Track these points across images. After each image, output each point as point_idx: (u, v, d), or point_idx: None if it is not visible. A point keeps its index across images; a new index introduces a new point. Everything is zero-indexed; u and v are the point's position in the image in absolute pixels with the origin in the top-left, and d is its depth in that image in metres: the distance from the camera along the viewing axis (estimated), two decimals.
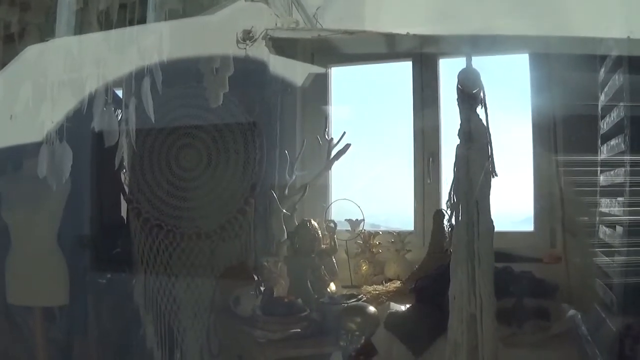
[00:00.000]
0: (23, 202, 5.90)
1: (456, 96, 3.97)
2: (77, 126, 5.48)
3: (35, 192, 5.77)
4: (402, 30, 5.59)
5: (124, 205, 6.06)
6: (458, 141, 3.89)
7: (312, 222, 5.47)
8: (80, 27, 6.41)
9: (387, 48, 5.75)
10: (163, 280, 5.78)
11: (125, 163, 5.52)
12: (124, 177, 5.95)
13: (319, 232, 5.48)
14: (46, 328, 6.00)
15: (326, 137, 5.82)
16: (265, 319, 4.96)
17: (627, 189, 4.27)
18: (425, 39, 5.40)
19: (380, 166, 6.04)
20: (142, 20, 6.49)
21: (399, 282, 5.49)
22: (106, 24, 6.86)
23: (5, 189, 6.07)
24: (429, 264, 5.32)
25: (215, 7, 7.06)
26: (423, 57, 5.97)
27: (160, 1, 6.27)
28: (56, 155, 5.34)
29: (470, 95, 3.85)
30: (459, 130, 3.88)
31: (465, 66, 3.96)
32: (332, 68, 6.36)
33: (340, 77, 6.45)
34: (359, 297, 5.15)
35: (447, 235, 5.13)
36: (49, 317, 6.02)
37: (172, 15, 6.10)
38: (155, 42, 5.63)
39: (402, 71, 6.15)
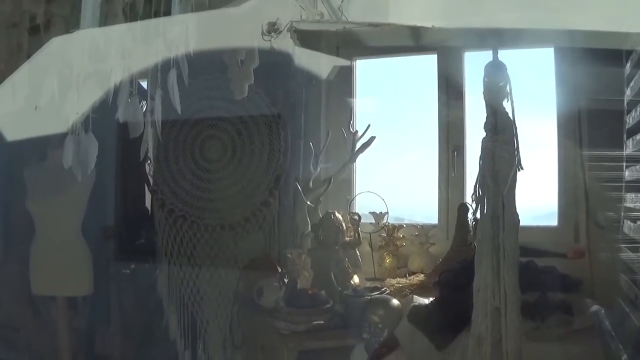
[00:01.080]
0: (48, 192, 6.00)
1: (482, 88, 3.99)
2: (102, 117, 5.54)
3: (60, 183, 5.82)
4: (427, 23, 5.61)
5: (148, 196, 6.15)
6: (483, 134, 3.91)
7: (336, 214, 5.49)
8: (106, 19, 6.47)
9: (412, 41, 5.75)
10: (187, 271, 5.85)
11: (150, 154, 5.59)
12: (149, 168, 6.03)
13: (343, 224, 5.51)
14: (69, 318, 6.10)
15: (351, 129, 5.86)
16: (289, 311, 5.00)
17: None
18: (450, 32, 5.40)
19: (405, 159, 6.07)
20: (168, 12, 6.55)
21: (422, 275, 5.52)
22: (131, 15, 6.92)
23: (30, 180, 6.16)
24: (453, 257, 5.32)
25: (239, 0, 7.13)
26: (448, 50, 5.95)
27: None
28: (81, 145, 5.41)
29: (496, 88, 3.86)
30: (485, 122, 3.89)
31: (491, 59, 3.98)
32: (357, 60, 6.37)
33: (365, 69, 6.47)
34: (383, 290, 5.18)
35: (471, 228, 5.18)
36: (72, 306, 6.13)
37: (198, 7, 6.14)
38: (181, 34, 5.67)
39: (427, 64, 6.14)
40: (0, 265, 6.41)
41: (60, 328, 6.05)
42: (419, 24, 5.55)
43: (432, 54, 6.11)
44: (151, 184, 6.02)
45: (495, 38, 4.34)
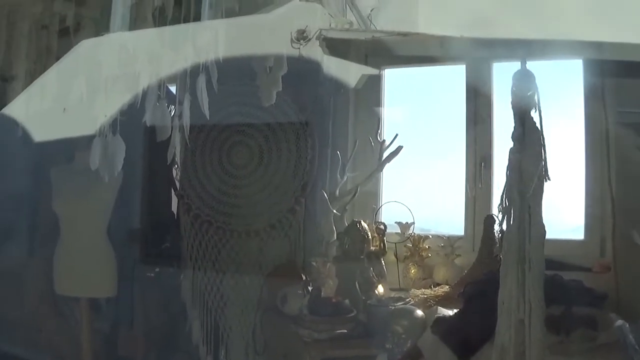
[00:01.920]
0: (74, 193, 6.09)
1: (510, 99, 4.03)
2: (130, 120, 5.62)
3: (87, 184, 5.91)
4: (456, 33, 5.65)
5: (174, 201, 6.20)
6: (511, 145, 3.95)
7: (362, 223, 5.54)
8: (135, 23, 6.56)
9: (440, 51, 5.77)
10: (211, 276, 5.90)
11: (177, 158, 5.68)
12: (176, 172, 6.10)
13: (369, 233, 5.56)
14: (92, 319, 6.17)
15: (378, 138, 5.90)
16: (312, 319, 5.07)
17: None
18: (479, 43, 5.42)
19: (432, 169, 6.09)
20: (197, 18, 6.63)
21: (447, 286, 5.55)
22: (161, 20, 7.00)
23: (57, 180, 6.26)
24: (478, 269, 5.36)
25: (270, 6, 7.16)
26: (476, 60, 5.95)
27: (217, 1, 6.40)
28: (109, 148, 5.49)
29: (524, 98, 3.90)
30: (513, 133, 3.93)
31: (519, 69, 4.02)
32: (386, 70, 6.41)
33: (394, 79, 6.50)
34: (407, 300, 5.22)
35: (497, 240, 5.21)
36: (95, 308, 6.21)
37: (227, 13, 6.22)
38: (210, 40, 5.74)
39: (456, 74, 6.19)
40: (24, 265, 6.48)
41: (83, 329, 6.12)
42: (447, 34, 5.60)
43: (460, 64, 6.16)
44: (178, 188, 6.10)
45: (523, 49, 4.38)
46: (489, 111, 5.95)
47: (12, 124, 6.75)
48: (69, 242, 6.07)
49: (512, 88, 3.99)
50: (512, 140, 3.94)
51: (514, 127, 3.96)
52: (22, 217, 6.57)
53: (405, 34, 5.81)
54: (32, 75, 7.96)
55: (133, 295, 6.29)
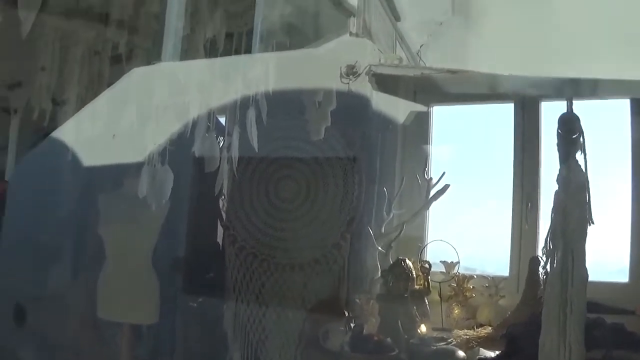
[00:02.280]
0: (121, 219, 6.21)
1: (556, 140, 4.08)
2: (179, 150, 5.73)
3: (134, 211, 6.01)
4: (504, 71, 5.71)
5: (220, 231, 6.27)
6: (557, 187, 4.00)
7: (407, 261, 5.59)
8: (187, 53, 6.69)
9: (489, 89, 5.83)
10: (254, 309, 5.94)
11: (224, 190, 5.77)
12: (223, 203, 6.15)
13: (413, 272, 5.61)
14: (133, 345, 6.28)
15: (425, 176, 5.98)
16: (354, 356, 5.13)
17: None
18: (527, 81, 5.48)
19: (479, 208, 6.12)
20: (248, 51, 6.76)
21: (490, 327, 5.57)
22: (212, 51, 7.16)
23: (104, 206, 6.37)
24: (522, 311, 5.39)
25: (320, 40, 7.27)
26: (525, 99, 6.07)
27: (267, 33, 6.51)
28: (157, 177, 5.61)
29: (569, 140, 3.95)
30: (558, 175, 3.98)
31: (565, 110, 4.06)
32: (434, 107, 6.52)
33: (442, 116, 6.59)
34: (449, 340, 5.27)
35: (541, 282, 5.22)
36: (136, 334, 6.31)
37: (278, 47, 6.33)
38: (260, 73, 5.85)
39: (504, 113, 6.28)
40: (69, 288, 6.57)
41: (123, 354, 6.24)
42: (496, 72, 5.67)
43: (509, 102, 6.26)
44: (224, 219, 6.16)
45: (571, 88, 4.44)
46: (537, 150, 6.00)
47: (62, 148, 6.90)
48: (113, 267, 6.17)
49: (557, 130, 4.05)
50: (557, 183, 3.99)
51: (559, 169, 4.01)
52: (68, 241, 6.68)
53: (454, 72, 5.88)
54: (83, 100, 8.13)
55: (175, 324, 6.35)
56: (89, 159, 6.71)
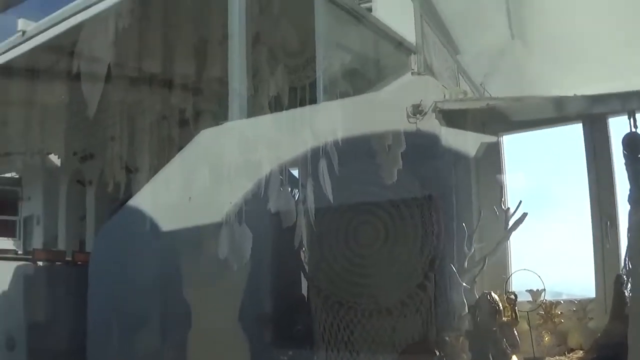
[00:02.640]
0: (203, 281, 6.35)
1: (623, 160, 4.07)
2: (255, 208, 5.85)
3: (216, 272, 6.16)
4: (569, 92, 5.73)
5: (304, 283, 6.38)
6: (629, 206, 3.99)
7: (493, 294, 5.58)
8: (252, 112, 6.82)
9: (555, 112, 5.87)
10: (344, 357, 5.99)
11: (304, 242, 5.85)
12: (304, 255, 6.24)
13: (500, 304, 5.59)
14: None
15: (502, 207, 5.97)
16: None
17: None
18: (592, 99, 5.50)
19: (559, 232, 6.11)
20: (313, 102, 6.88)
21: (581, 352, 5.57)
22: (277, 107, 7.29)
23: (186, 269, 6.53)
24: (612, 331, 5.33)
25: (383, 82, 7.38)
26: (592, 117, 6.02)
27: (330, 83, 6.62)
28: (236, 236, 5.75)
29: (635, 160, 3.94)
30: (629, 195, 3.98)
31: (628, 130, 4.05)
32: (503, 136, 6.50)
33: (512, 144, 6.59)
34: None
35: (627, 300, 5.19)
36: None
37: (342, 95, 6.43)
38: (327, 122, 5.95)
39: (573, 134, 6.24)
40: (157, 353, 6.71)
41: None
42: (560, 94, 5.69)
43: (576, 123, 6.21)
44: (307, 271, 6.26)
45: (636, 102, 4.43)
46: (610, 167, 5.95)
47: (139, 215, 7.08)
48: (200, 329, 6.29)
49: (622, 151, 4.05)
50: (629, 203, 3.99)
51: (629, 189, 4.01)
52: (154, 307, 6.84)
53: (519, 99, 5.95)
54: (156, 165, 8.32)
55: None
56: (167, 224, 6.86)
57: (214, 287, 6.27)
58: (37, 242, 15.21)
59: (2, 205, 17.40)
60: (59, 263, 9.88)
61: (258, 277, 6.28)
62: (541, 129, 6.47)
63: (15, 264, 9.20)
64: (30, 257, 10.10)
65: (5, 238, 16.86)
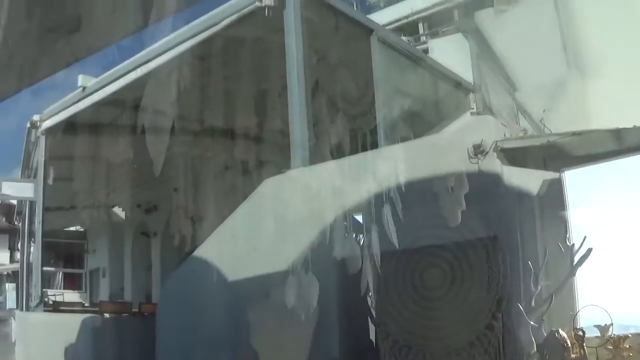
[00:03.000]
0: (272, 331, 6.43)
1: None
2: (320, 255, 5.94)
3: (284, 321, 6.23)
4: (628, 124, 5.77)
5: (372, 328, 6.44)
6: None
7: (561, 332, 5.64)
8: (314, 159, 6.93)
9: (616, 144, 5.90)
10: None
11: (370, 287, 5.92)
12: (370, 300, 6.32)
13: (568, 341, 5.65)
14: None
15: (567, 243, 6.01)
16: None
17: None
18: None
19: (625, 265, 6.11)
20: (374, 147, 6.98)
21: None
22: (338, 153, 7.39)
23: (254, 319, 6.61)
24: None
25: (442, 123, 7.47)
26: None
27: (390, 128, 6.74)
28: (303, 285, 5.86)
29: None
30: None
31: None
32: (565, 171, 6.53)
33: (574, 179, 6.62)
34: None
35: None
36: None
37: (403, 139, 6.52)
38: (389, 167, 6.06)
39: (635, 165, 6.33)
40: None
41: None
42: (620, 126, 5.73)
43: (637, 154, 6.26)
44: (374, 316, 6.33)
45: None
46: None
47: (205, 265, 7.23)
48: None
49: None
50: None
51: None
52: (222, 356, 6.98)
53: (579, 133, 5.99)
54: (220, 215, 8.45)
55: None
56: (233, 274, 6.99)
57: (281, 335, 6.37)
58: (103, 294, 15.48)
59: (69, 258, 17.77)
60: (126, 314, 10.07)
61: (326, 324, 6.32)
62: (603, 162, 6.49)
63: (82, 316, 9.39)
64: (96, 309, 10.33)
65: (72, 291, 17.18)
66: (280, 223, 6.55)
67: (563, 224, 6.20)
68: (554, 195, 6.42)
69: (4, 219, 18.02)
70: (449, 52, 9.61)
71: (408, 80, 8.21)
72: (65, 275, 18.23)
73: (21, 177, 12.10)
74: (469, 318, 5.91)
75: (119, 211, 14.10)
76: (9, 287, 24.11)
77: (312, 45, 7.62)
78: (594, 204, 6.49)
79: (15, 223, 16.04)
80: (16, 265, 19.05)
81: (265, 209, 6.90)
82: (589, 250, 5.89)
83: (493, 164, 6.04)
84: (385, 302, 6.23)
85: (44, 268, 10.95)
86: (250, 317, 6.61)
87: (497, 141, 6.10)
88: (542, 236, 6.39)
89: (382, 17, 16.45)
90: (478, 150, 6.07)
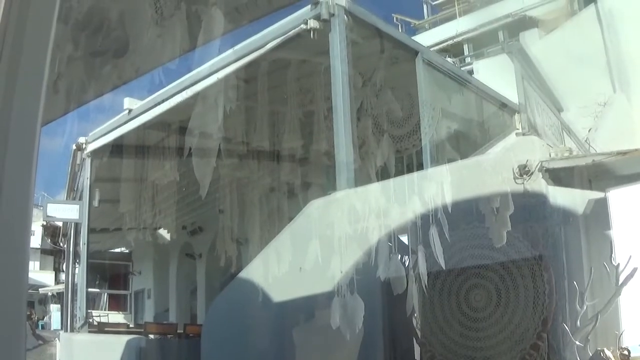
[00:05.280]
0: (317, 351, 6.58)
1: None
2: (366, 277, 6.06)
3: (329, 342, 6.36)
4: None
5: (417, 349, 6.50)
6: None
7: (606, 351, 5.68)
8: (359, 181, 7.06)
9: None
10: None
11: (416, 308, 6.03)
12: (416, 321, 6.43)
13: None
14: None
15: (612, 262, 6.04)
16: None
17: None
18: None
19: None
20: (420, 168, 7.10)
21: None
22: (384, 175, 7.52)
23: (299, 339, 6.70)
24: None
25: (488, 144, 7.59)
26: None
27: (436, 149, 6.87)
28: (348, 306, 5.96)
29: None
30: None
31: None
32: (611, 191, 6.55)
33: (620, 199, 6.64)
34: None
35: None
36: None
37: (449, 160, 6.64)
38: (435, 188, 6.17)
39: None
40: None
41: None
42: None
43: None
44: (419, 337, 6.43)
45: None
46: None
47: (250, 287, 7.35)
48: None
49: None
50: None
51: None
52: None
53: (625, 153, 6.07)
54: (265, 237, 8.61)
55: None
56: (279, 295, 7.11)
57: (327, 357, 6.49)
58: (148, 315, 15.72)
59: (114, 279, 18.05)
60: (171, 336, 10.26)
61: (371, 346, 6.42)
62: None
63: (127, 337, 9.58)
64: (141, 330, 10.53)
65: (117, 312, 17.45)
66: (325, 244, 6.65)
67: (608, 244, 6.23)
68: (599, 215, 6.44)
69: (49, 241, 18.35)
70: (494, 73, 9.74)
71: (453, 101, 8.32)
72: (110, 296, 18.52)
73: (66, 199, 12.37)
74: (514, 338, 5.98)
75: (164, 233, 14.32)
76: (54, 308, 24.51)
77: (357, 67, 7.78)
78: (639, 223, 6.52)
79: (60, 245, 16.35)
80: (61, 287, 19.36)
81: (310, 230, 7.01)
82: (634, 270, 5.94)
83: (538, 184, 6.13)
84: (431, 322, 6.33)
85: (89, 289, 11.19)
86: (296, 339, 6.69)
87: (542, 161, 6.18)
88: (587, 256, 6.39)
89: (427, 38, 16.58)
90: (523, 171, 6.15)
